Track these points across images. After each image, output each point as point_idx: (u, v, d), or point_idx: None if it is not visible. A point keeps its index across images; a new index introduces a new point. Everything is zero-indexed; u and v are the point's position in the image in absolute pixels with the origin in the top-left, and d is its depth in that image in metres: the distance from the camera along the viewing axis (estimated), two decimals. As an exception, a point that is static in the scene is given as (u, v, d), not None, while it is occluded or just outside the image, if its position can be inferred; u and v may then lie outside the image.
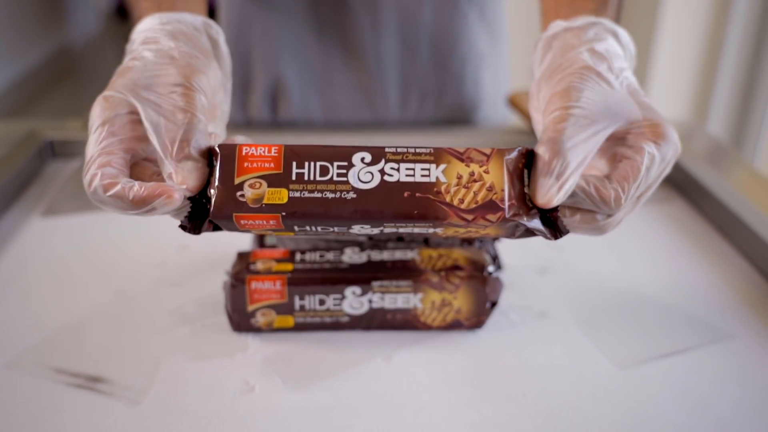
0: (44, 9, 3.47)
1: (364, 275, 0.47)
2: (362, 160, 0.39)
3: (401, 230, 0.39)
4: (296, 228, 0.39)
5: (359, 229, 0.39)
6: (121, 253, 0.59)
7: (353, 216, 0.38)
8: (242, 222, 0.39)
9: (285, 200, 0.38)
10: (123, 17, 4.44)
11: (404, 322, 0.48)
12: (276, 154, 0.39)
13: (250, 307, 0.47)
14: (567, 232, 0.39)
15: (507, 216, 0.38)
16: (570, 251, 0.60)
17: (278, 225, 0.38)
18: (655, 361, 0.46)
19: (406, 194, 0.38)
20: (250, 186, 0.38)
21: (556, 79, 0.42)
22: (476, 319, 0.48)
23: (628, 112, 0.41)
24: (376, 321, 0.48)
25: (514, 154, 0.39)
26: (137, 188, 0.37)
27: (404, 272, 0.47)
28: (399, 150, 0.39)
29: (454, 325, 0.49)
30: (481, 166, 0.38)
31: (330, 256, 0.49)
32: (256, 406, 0.42)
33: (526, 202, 0.38)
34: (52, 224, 0.64)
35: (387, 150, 0.39)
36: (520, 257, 0.59)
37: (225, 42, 0.47)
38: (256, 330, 0.48)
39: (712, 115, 1.65)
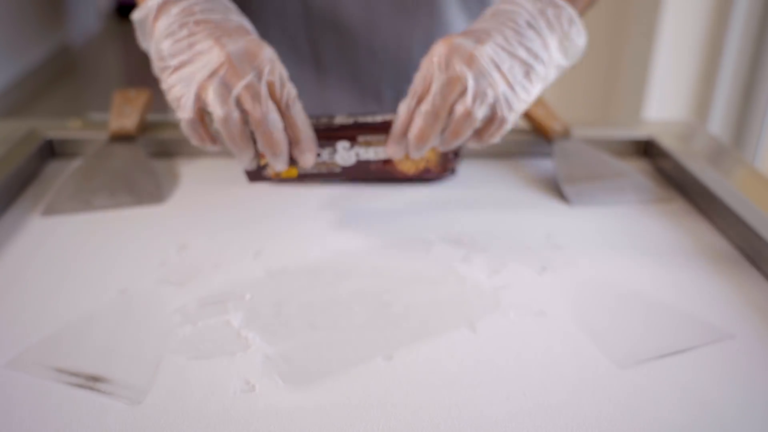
0: (44, 8, 3.47)
1: (352, 132, 0.60)
2: (343, 147, 0.60)
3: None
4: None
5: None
6: (122, 252, 0.59)
7: (339, 178, 0.63)
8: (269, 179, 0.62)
9: (295, 175, 0.64)
10: (123, 17, 4.44)
11: (384, 171, 0.63)
12: None
13: (262, 161, 0.60)
14: (458, 156, 0.65)
15: (433, 176, 0.64)
16: (570, 251, 0.60)
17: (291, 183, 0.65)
18: (655, 361, 0.46)
19: (372, 167, 0.62)
20: (271, 167, 0.58)
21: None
22: (443, 166, 0.63)
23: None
24: (361, 171, 0.63)
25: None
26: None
27: (384, 129, 0.59)
28: (367, 138, 0.59)
29: (425, 173, 0.63)
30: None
31: (324, 119, 0.62)
32: (257, 406, 0.42)
33: (446, 165, 0.63)
34: (52, 224, 0.64)
35: (358, 138, 0.60)
36: (519, 257, 0.59)
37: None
38: (267, 179, 0.63)
39: (713, 115, 1.65)
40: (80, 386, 0.44)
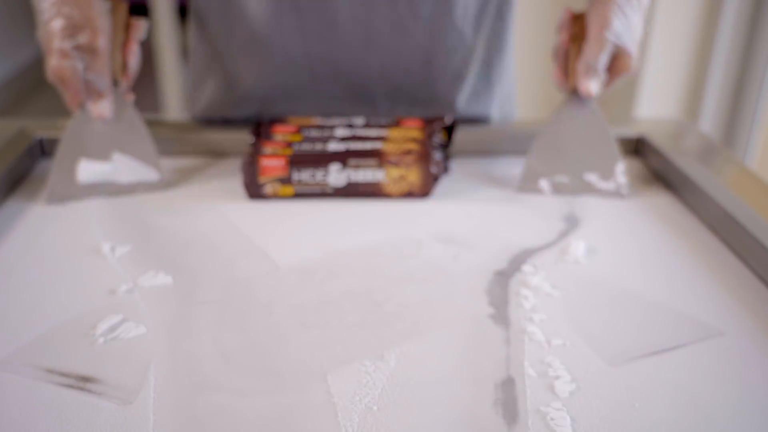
0: (34, 8, 3.45)
1: (344, 156, 0.67)
2: (335, 169, 0.67)
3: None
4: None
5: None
6: (113, 253, 0.59)
7: (331, 197, 0.68)
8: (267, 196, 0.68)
9: (292, 194, 0.68)
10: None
11: (372, 193, 0.68)
12: (284, 164, 0.67)
13: (261, 179, 0.67)
14: (437, 180, 0.69)
15: (417, 193, 0.68)
16: (561, 249, 0.60)
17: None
18: (645, 359, 0.47)
19: (361, 188, 0.68)
20: (270, 185, 0.67)
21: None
22: (424, 189, 0.68)
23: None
24: (352, 192, 0.68)
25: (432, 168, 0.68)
26: None
27: (372, 155, 0.67)
28: (359, 162, 0.67)
29: (408, 195, 0.68)
30: (406, 169, 0.67)
31: (319, 145, 0.69)
32: (251, 406, 0.42)
33: (427, 188, 0.68)
34: (42, 224, 0.63)
35: (350, 161, 0.67)
36: (510, 256, 0.59)
37: None
38: (266, 197, 0.67)
39: (704, 114, 1.66)
40: (71, 387, 0.43)
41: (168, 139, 0.77)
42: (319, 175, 0.67)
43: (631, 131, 0.80)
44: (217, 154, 0.77)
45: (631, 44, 0.67)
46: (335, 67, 0.77)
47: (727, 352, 0.47)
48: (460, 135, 0.77)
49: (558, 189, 0.70)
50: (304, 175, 0.67)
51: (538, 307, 0.52)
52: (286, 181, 0.67)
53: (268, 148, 0.68)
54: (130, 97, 0.69)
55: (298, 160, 0.67)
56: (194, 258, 0.58)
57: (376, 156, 0.67)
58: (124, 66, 0.69)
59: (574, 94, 0.70)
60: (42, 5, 0.66)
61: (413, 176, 0.67)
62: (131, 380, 0.44)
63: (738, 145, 1.63)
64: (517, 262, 0.58)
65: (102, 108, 0.67)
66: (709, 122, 1.65)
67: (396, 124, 0.74)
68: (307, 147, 0.68)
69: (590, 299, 0.53)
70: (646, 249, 0.61)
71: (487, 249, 0.60)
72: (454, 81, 0.79)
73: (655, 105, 1.68)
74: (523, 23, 0.93)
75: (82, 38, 0.64)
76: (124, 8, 0.71)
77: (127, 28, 0.70)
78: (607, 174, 0.70)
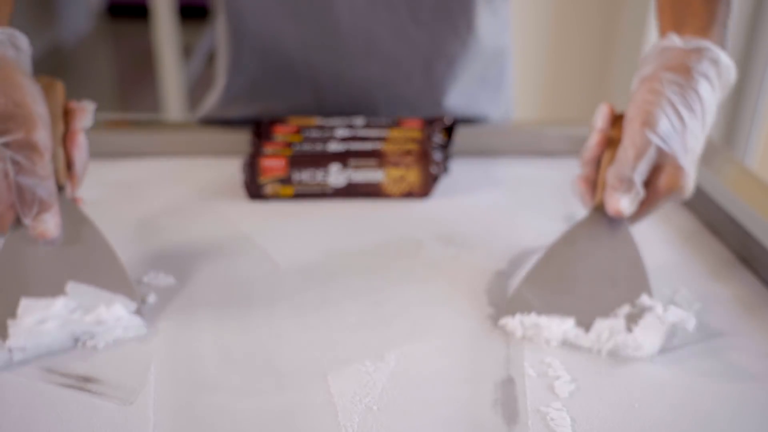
0: (35, 7, 3.45)
1: (344, 156, 0.67)
2: (335, 169, 0.67)
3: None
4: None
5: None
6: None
7: (331, 198, 0.68)
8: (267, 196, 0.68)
9: (292, 194, 0.68)
10: (114, 16, 4.43)
11: (372, 192, 0.68)
12: (284, 165, 0.67)
13: (261, 180, 0.67)
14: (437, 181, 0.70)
15: (417, 193, 0.69)
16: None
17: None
18: (645, 359, 0.46)
19: (361, 188, 0.68)
20: (270, 185, 0.67)
21: (646, 89, 0.52)
22: (424, 190, 0.68)
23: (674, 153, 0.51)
24: (352, 192, 0.68)
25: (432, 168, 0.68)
26: None
27: (372, 155, 0.67)
28: (359, 162, 0.67)
29: (408, 195, 0.68)
30: (406, 169, 0.67)
31: (319, 146, 0.69)
32: (250, 406, 0.42)
33: (427, 188, 0.68)
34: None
35: (350, 162, 0.67)
36: (510, 257, 0.59)
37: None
38: (266, 197, 0.67)
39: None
40: (71, 387, 0.43)
41: (168, 139, 0.77)
42: (319, 175, 0.67)
43: (632, 131, 0.80)
44: (217, 154, 0.77)
45: (682, 153, 0.51)
46: (336, 75, 0.77)
47: (725, 353, 0.47)
48: (460, 135, 0.77)
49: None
50: (304, 176, 0.67)
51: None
52: (286, 181, 0.67)
53: (268, 149, 0.68)
54: (78, 203, 0.53)
55: (298, 161, 0.67)
56: (194, 258, 0.58)
57: (376, 156, 0.67)
58: (69, 164, 0.52)
59: (600, 211, 0.54)
60: None
61: (413, 176, 0.68)
62: (131, 380, 0.44)
63: (738, 145, 1.63)
64: (517, 262, 0.58)
65: (45, 224, 0.48)
66: (709, 122, 1.65)
67: (396, 124, 0.74)
68: (307, 147, 0.68)
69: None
70: (645, 248, 0.61)
71: (487, 249, 0.60)
72: (454, 85, 0.79)
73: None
74: (522, 22, 0.93)
75: (14, 132, 0.46)
76: (59, 88, 0.53)
77: (66, 113, 0.53)
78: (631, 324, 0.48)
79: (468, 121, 0.82)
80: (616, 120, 0.55)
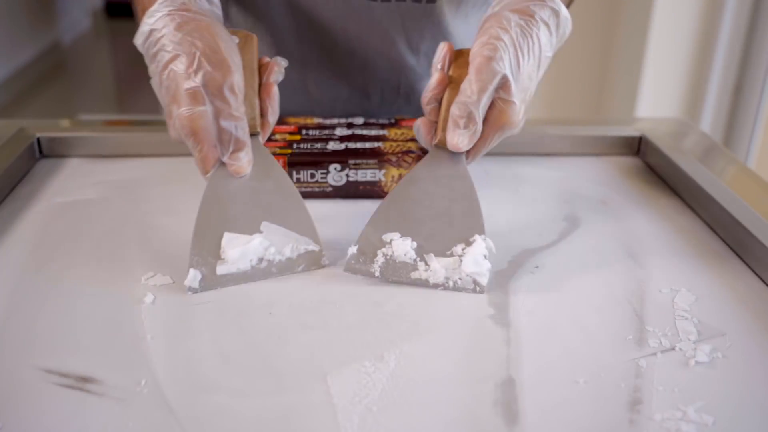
0: (34, 7, 3.45)
1: (343, 156, 0.67)
2: (335, 168, 0.67)
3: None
4: None
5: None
6: (112, 254, 0.58)
7: (331, 197, 0.68)
8: None
9: None
10: (112, 16, 4.42)
11: (372, 191, 0.68)
12: (283, 164, 0.66)
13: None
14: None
15: None
16: (563, 250, 0.60)
17: None
18: (645, 359, 0.47)
19: (361, 187, 0.68)
20: None
21: (491, 27, 0.54)
22: None
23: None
24: (351, 191, 0.68)
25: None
26: None
27: (372, 155, 0.67)
28: (357, 162, 0.67)
29: None
30: (406, 169, 0.67)
31: (318, 145, 0.69)
32: (250, 406, 0.42)
33: None
34: (42, 223, 0.63)
35: (349, 161, 0.67)
36: (511, 255, 0.59)
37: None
38: None
39: (704, 113, 1.66)
40: (70, 387, 0.43)
41: (168, 139, 0.77)
42: (318, 174, 0.67)
43: (632, 131, 0.80)
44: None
45: (516, 90, 0.54)
46: (333, 88, 0.78)
47: (727, 352, 0.47)
48: (460, 135, 0.77)
49: (389, 273, 0.54)
50: (304, 175, 0.67)
51: (538, 307, 0.52)
52: None
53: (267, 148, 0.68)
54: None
55: (298, 160, 0.67)
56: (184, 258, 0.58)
57: (376, 156, 0.67)
58: (263, 113, 0.57)
59: (440, 149, 0.56)
60: (152, 48, 0.54)
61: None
62: (131, 380, 0.44)
63: (738, 145, 1.63)
64: (517, 262, 0.58)
65: (240, 161, 0.54)
66: (709, 122, 1.65)
67: (395, 123, 0.74)
68: (306, 147, 0.68)
69: (590, 299, 0.53)
70: (646, 248, 0.61)
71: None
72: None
73: (655, 105, 1.68)
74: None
75: (211, 74, 0.51)
76: (254, 43, 0.59)
77: (260, 67, 0.58)
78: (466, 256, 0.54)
79: None
80: (456, 60, 0.58)
